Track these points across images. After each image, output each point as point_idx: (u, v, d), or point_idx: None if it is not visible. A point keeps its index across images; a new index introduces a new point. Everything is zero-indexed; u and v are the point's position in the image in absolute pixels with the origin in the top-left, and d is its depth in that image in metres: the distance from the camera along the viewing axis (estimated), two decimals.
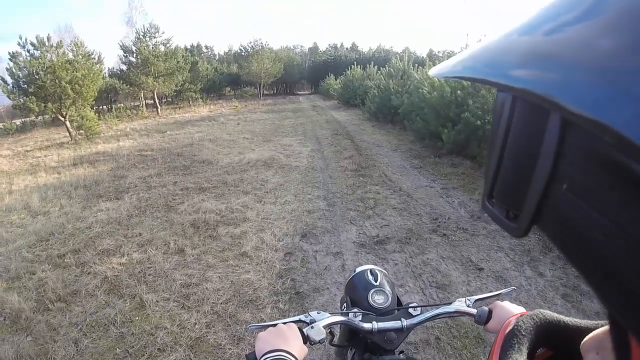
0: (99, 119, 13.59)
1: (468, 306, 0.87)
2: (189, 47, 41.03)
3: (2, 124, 19.24)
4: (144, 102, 24.38)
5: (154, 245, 3.55)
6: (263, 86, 35.90)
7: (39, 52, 12.29)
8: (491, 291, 0.96)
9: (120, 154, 8.60)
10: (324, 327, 0.80)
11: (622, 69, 0.14)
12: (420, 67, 10.04)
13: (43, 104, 11.87)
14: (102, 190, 5.66)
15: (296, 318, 0.82)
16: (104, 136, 12.33)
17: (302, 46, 64.07)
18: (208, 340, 2.26)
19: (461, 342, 2.12)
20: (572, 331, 0.42)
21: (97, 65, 14.80)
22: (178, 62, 21.95)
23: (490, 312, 0.81)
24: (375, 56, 38.21)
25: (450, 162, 5.94)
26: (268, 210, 4.36)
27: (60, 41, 13.03)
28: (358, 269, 1.05)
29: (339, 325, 0.88)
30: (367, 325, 0.84)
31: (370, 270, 1.03)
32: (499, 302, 0.82)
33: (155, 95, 21.95)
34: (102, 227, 4.10)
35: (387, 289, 0.97)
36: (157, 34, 21.57)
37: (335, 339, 1.09)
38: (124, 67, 21.81)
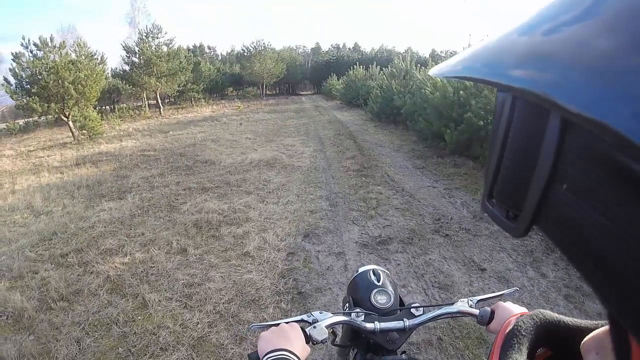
0: (101, 119, 13.64)
1: (470, 306, 0.87)
2: (191, 47, 41.16)
3: (5, 124, 19.36)
4: (146, 102, 24.49)
5: (156, 245, 3.56)
6: (265, 86, 35.91)
7: (42, 52, 12.36)
8: (494, 292, 0.96)
9: (123, 154, 8.63)
10: (327, 327, 0.80)
11: (621, 69, 0.14)
12: (423, 68, 10.04)
13: (46, 104, 11.92)
14: (104, 190, 5.68)
15: (298, 318, 0.81)
16: (107, 136, 12.38)
17: (304, 46, 63.88)
18: (210, 340, 2.27)
19: (463, 342, 2.11)
20: (572, 331, 0.42)
21: (100, 66, 14.84)
22: (181, 62, 21.99)
23: (492, 312, 0.81)
24: (377, 56, 38.21)
25: (453, 162, 5.92)
26: (270, 210, 4.36)
27: (63, 42, 13.09)
28: (360, 269, 1.05)
29: (341, 325, 0.88)
30: (369, 325, 0.84)
31: (373, 271, 1.03)
32: (501, 302, 0.82)
33: (158, 96, 22.02)
34: (104, 227, 4.12)
35: (390, 289, 0.97)
36: (159, 35, 21.64)
37: (338, 339, 1.09)
38: (127, 68, 21.89)
